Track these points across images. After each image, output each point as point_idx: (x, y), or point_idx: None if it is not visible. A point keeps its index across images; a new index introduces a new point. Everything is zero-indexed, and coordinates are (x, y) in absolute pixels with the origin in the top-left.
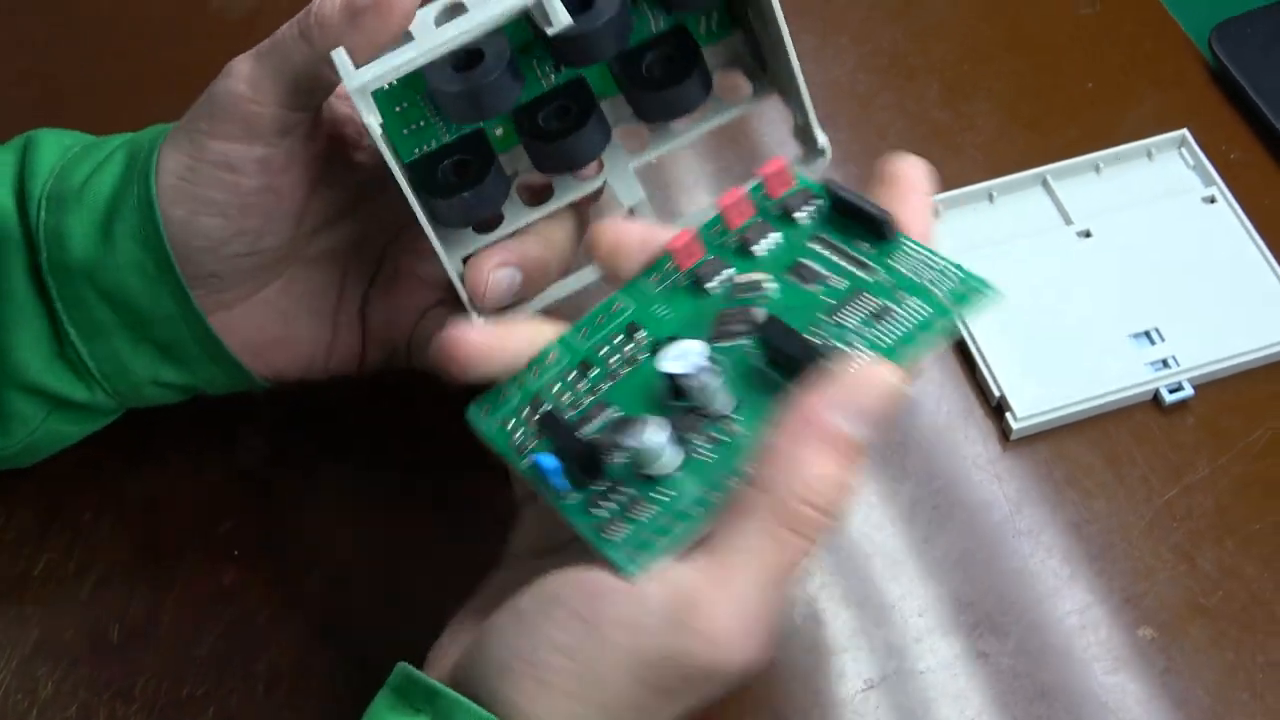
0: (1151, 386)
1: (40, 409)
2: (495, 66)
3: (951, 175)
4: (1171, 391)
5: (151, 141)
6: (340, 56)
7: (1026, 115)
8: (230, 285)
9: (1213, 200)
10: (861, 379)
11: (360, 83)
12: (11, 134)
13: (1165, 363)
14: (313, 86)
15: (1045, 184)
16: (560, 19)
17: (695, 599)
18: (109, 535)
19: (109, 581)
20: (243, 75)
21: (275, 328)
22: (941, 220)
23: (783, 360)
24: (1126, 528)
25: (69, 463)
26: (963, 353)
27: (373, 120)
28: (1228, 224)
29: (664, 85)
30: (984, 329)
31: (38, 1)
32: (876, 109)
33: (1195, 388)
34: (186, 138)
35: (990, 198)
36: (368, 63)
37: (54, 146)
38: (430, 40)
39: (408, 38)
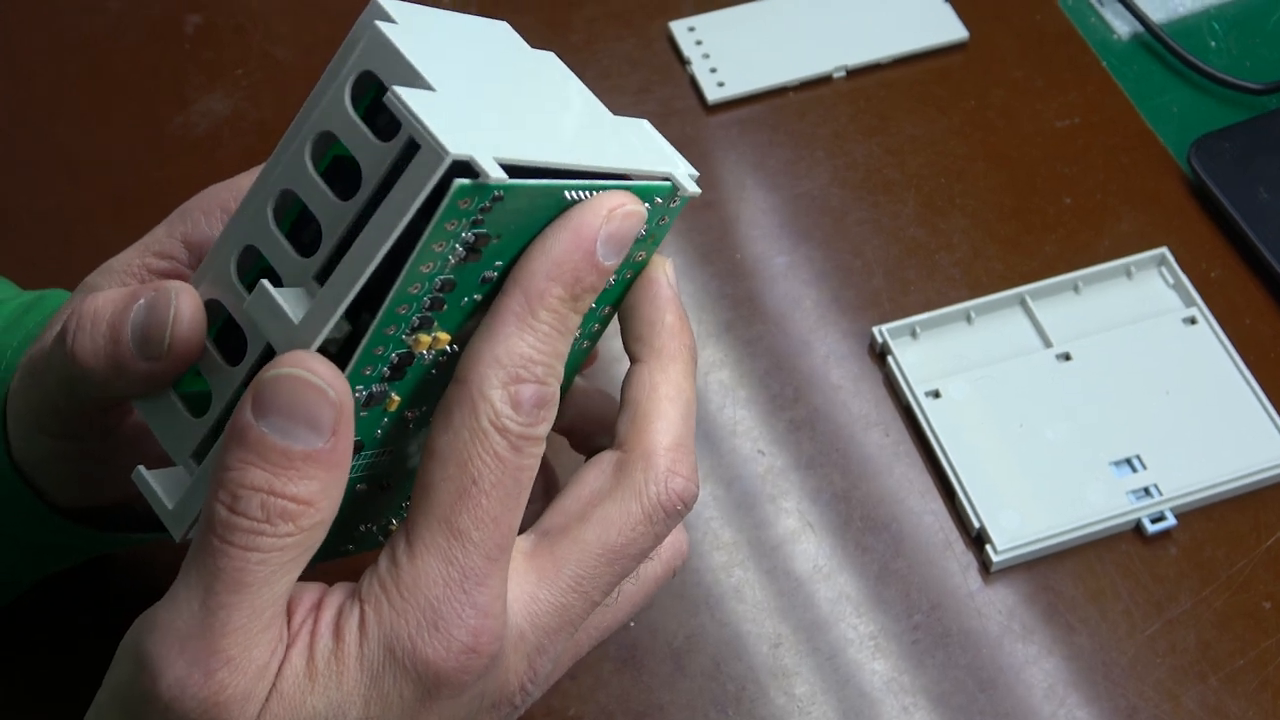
0: (1133, 517)
1: None
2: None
3: (929, 295)
4: (1154, 521)
5: (4, 382)
6: (140, 477)
7: (1004, 232)
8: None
9: (1193, 321)
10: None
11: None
12: None
13: (1147, 491)
14: (93, 400)
15: (1024, 304)
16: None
17: None
18: None
19: None
20: (29, 371)
21: None
22: (920, 342)
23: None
24: (1109, 665)
25: None
26: (942, 482)
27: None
28: (1209, 346)
29: None
30: (964, 456)
31: None
32: (851, 224)
33: (1178, 517)
34: (17, 427)
35: (969, 318)
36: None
37: None
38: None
39: None
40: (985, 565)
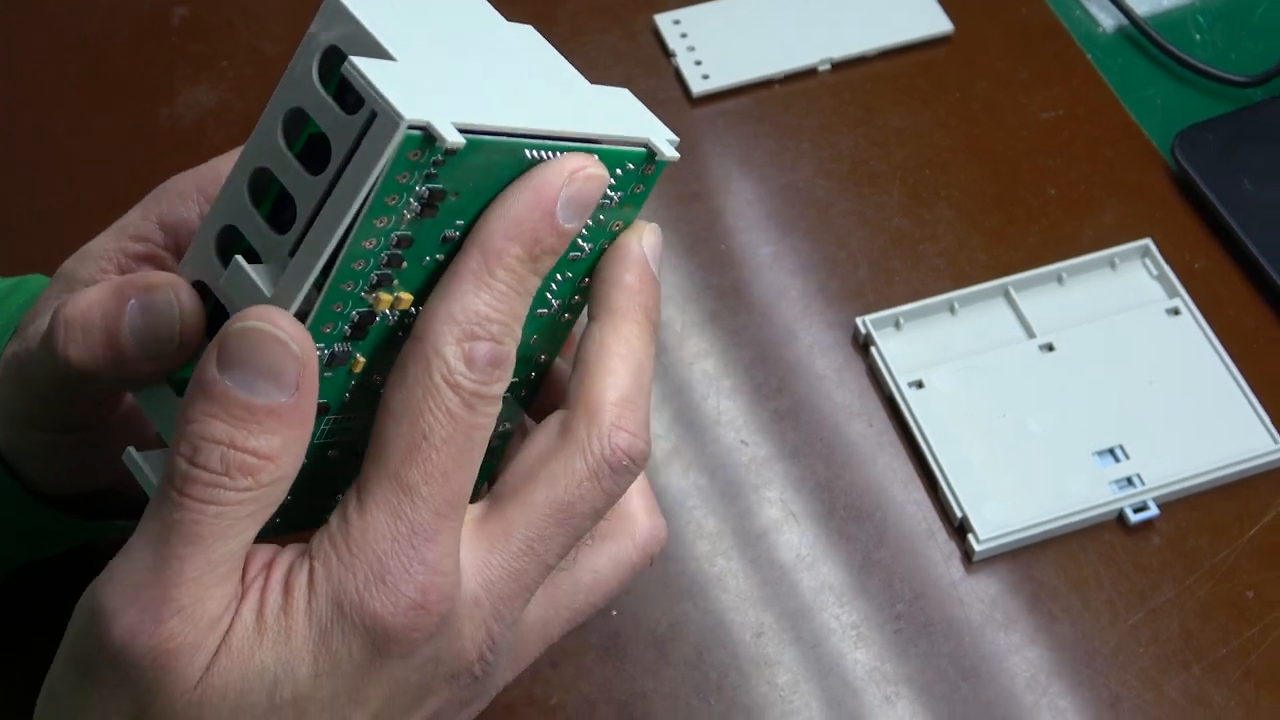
0: (1116, 506)
1: None
2: None
3: (913, 286)
4: (1136, 511)
5: None
6: (131, 459)
7: (988, 223)
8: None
9: (1177, 312)
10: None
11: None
12: None
13: (1130, 481)
14: (83, 394)
15: (1007, 295)
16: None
17: None
18: None
19: None
20: (13, 369)
21: None
22: (903, 332)
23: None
24: (1091, 654)
25: None
26: (925, 472)
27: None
28: (1192, 337)
29: None
30: (947, 447)
31: None
32: (836, 216)
33: (1160, 507)
34: (1, 420)
35: (952, 309)
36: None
37: None
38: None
39: None
40: (968, 555)
